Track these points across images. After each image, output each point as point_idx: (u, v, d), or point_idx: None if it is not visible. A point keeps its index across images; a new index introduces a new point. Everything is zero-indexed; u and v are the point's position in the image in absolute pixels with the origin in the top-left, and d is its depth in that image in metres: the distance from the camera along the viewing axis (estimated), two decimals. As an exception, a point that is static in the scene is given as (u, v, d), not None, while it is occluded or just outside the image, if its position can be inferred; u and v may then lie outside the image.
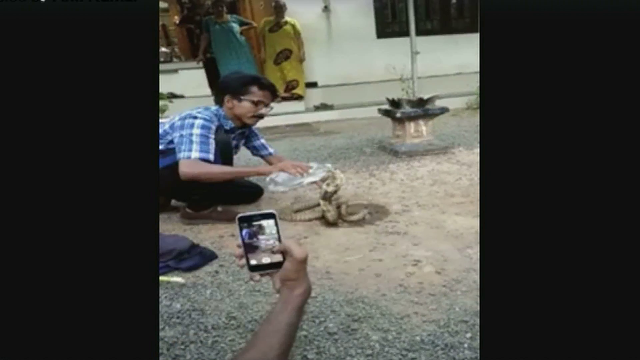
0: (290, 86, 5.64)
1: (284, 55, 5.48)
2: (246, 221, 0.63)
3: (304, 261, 0.62)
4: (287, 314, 0.59)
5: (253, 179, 2.17)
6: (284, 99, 5.41)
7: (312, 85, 5.99)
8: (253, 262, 0.63)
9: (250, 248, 0.63)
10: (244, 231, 0.63)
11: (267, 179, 1.80)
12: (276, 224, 0.63)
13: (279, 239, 0.64)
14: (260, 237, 0.63)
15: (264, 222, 0.63)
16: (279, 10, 5.30)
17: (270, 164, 2.07)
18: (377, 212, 1.93)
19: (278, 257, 0.63)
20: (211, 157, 1.70)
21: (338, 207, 1.80)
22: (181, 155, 1.68)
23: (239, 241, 0.64)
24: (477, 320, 1.07)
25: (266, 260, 0.63)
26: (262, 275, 0.65)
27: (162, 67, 5.57)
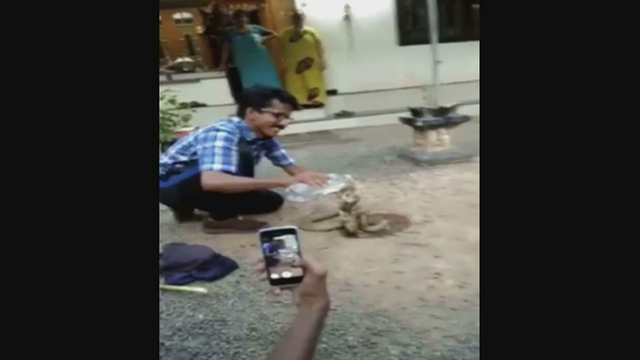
0: (312, 94, 5.70)
1: (305, 64, 5.54)
2: (268, 235, 0.65)
3: (323, 277, 0.63)
4: (306, 330, 0.60)
5: (273, 189, 2.21)
6: (305, 106, 5.47)
7: (333, 92, 6.02)
8: (274, 275, 0.65)
9: (271, 262, 0.65)
10: (265, 245, 0.65)
11: (287, 189, 1.82)
12: (297, 239, 0.65)
13: (300, 254, 0.65)
14: (281, 251, 0.64)
15: (285, 237, 0.64)
16: (298, 20, 5.38)
17: (290, 173, 2.10)
18: (398, 222, 1.92)
19: (298, 272, 0.64)
20: (233, 168, 1.74)
21: (358, 217, 1.80)
22: (204, 166, 1.73)
23: (261, 255, 0.66)
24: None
25: (287, 274, 0.65)
26: (282, 289, 0.67)
27: (185, 76, 5.72)
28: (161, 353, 1.08)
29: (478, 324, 1.12)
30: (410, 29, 6.23)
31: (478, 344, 1.04)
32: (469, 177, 2.61)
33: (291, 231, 0.65)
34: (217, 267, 1.51)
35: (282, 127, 1.95)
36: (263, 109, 1.87)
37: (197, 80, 5.64)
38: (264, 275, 0.67)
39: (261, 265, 0.66)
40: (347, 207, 1.76)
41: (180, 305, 1.32)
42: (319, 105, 5.77)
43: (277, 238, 0.64)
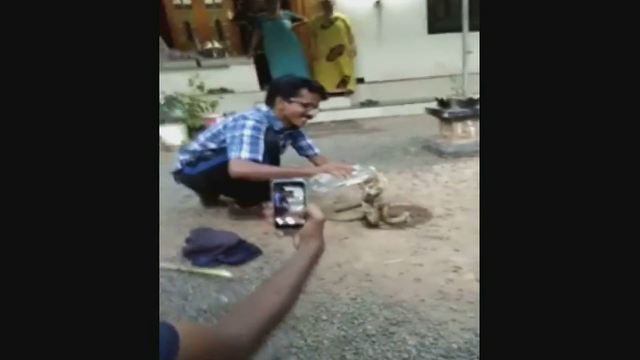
0: (343, 81, 5.66)
1: (338, 51, 5.48)
2: (280, 186, 0.75)
3: (321, 223, 0.75)
4: (302, 262, 0.71)
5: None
6: (335, 94, 5.47)
7: (359, 81, 5.98)
8: (280, 221, 0.76)
9: (280, 209, 0.76)
10: (277, 195, 0.75)
11: (311, 179, 1.85)
12: (304, 192, 0.75)
13: (305, 204, 0.75)
14: (290, 200, 0.75)
15: (295, 189, 0.75)
16: (329, 6, 5.32)
17: (315, 164, 2.13)
18: (419, 215, 1.93)
19: (300, 220, 0.75)
20: (260, 157, 1.79)
21: (380, 208, 1.82)
22: (232, 154, 1.78)
23: (272, 204, 0.76)
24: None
25: (290, 221, 0.75)
26: (285, 233, 0.77)
27: (214, 62, 5.78)
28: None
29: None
30: (442, 16, 6.07)
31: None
32: (495, 171, 2.58)
33: (300, 184, 0.75)
34: (242, 252, 1.57)
35: (310, 117, 1.97)
36: (292, 99, 1.89)
37: (225, 66, 5.69)
38: (272, 220, 0.76)
39: (271, 211, 0.75)
40: (369, 199, 1.78)
41: (206, 288, 1.39)
42: (348, 93, 5.74)
43: (287, 189, 0.75)
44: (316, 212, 0.74)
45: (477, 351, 1.02)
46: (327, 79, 5.42)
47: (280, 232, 0.77)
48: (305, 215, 0.75)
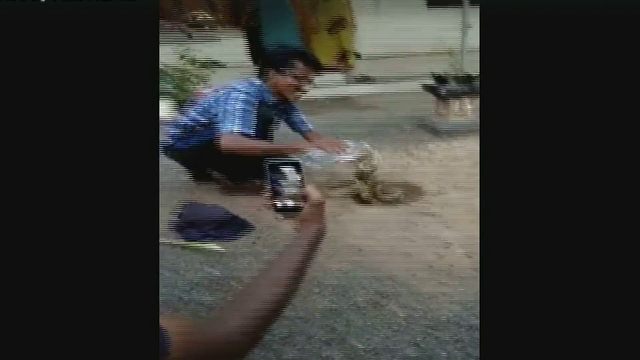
0: (344, 56, 5.52)
1: (340, 24, 5.31)
2: (274, 166, 0.70)
3: (320, 205, 0.70)
4: (301, 249, 0.67)
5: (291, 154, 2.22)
6: (334, 69, 5.35)
7: (356, 56, 5.87)
8: (278, 204, 0.71)
9: (277, 192, 0.71)
10: (273, 176, 0.71)
11: (304, 155, 1.83)
12: (301, 172, 0.70)
13: (303, 185, 0.71)
14: (286, 182, 0.70)
15: (290, 169, 0.70)
16: None
17: (309, 140, 2.11)
18: (412, 192, 1.93)
19: (300, 202, 0.70)
20: (252, 131, 1.76)
21: (373, 186, 1.82)
22: (223, 129, 1.75)
23: (268, 186, 0.71)
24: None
25: (290, 203, 0.71)
26: (285, 217, 0.73)
27: (205, 34, 5.63)
28: (179, 306, 1.16)
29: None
30: (442, -11, 5.94)
31: (482, 312, 1.08)
32: (489, 149, 2.58)
33: (296, 164, 0.70)
34: (234, 227, 1.56)
35: (304, 91, 1.91)
36: (285, 71, 1.85)
37: (217, 39, 5.56)
38: (270, 202, 0.72)
39: (268, 193, 0.71)
40: (363, 176, 1.78)
41: (198, 262, 1.39)
42: (348, 69, 5.61)
43: (282, 169, 0.70)
44: (315, 194, 0.69)
45: (465, 324, 1.04)
46: (326, 53, 5.26)
47: (280, 216, 0.72)
48: (305, 197, 0.70)
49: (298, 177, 0.70)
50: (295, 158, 0.72)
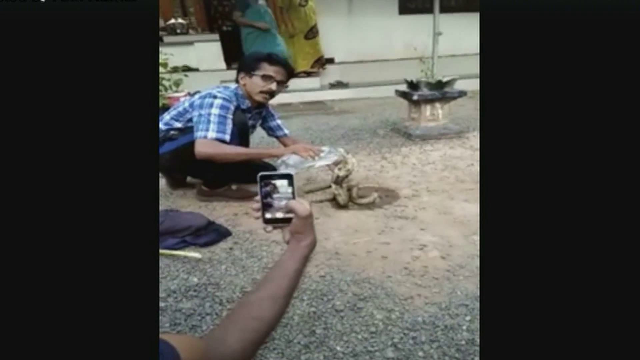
0: (320, 62, 5.58)
1: (315, 31, 5.39)
2: (266, 179, 0.70)
3: (307, 217, 0.69)
4: (294, 262, 0.68)
5: (266, 159, 2.23)
6: (310, 73, 5.40)
7: (330, 61, 5.93)
8: (268, 215, 0.71)
9: (267, 204, 0.71)
10: (263, 188, 0.70)
11: (279, 160, 1.84)
12: (292, 184, 0.70)
13: (294, 197, 0.71)
14: (277, 195, 0.70)
15: (282, 182, 0.70)
16: None
17: (284, 145, 2.12)
18: (387, 195, 1.97)
19: (290, 214, 0.70)
20: (227, 137, 1.75)
21: (349, 190, 1.84)
22: (198, 134, 1.73)
23: (258, 197, 0.71)
24: (477, 304, 1.13)
25: (279, 215, 0.71)
26: (275, 228, 0.73)
27: (177, 39, 5.54)
28: (157, 313, 1.14)
29: (459, 293, 1.19)
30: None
31: (457, 311, 1.11)
32: (459, 152, 2.66)
33: (288, 176, 0.70)
34: (211, 233, 1.55)
35: (271, 92, 1.90)
36: (253, 73, 1.85)
37: (190, 43, 5.49)
38: (259, 214, 0.72)
39: (257, 205, 0.71)
40: (339, 181, 1.80)
41: (175, 269, 1.37)
42: (317, 74, 5.68)
43: (274, 182, 0.70)
44: (300, 207, 0.68)
45: (440, 324, 1.07)
46: (305, 58, 5.35)
47: (269, 227, 0.72)
48: (292, 210, 0.70)
49: (289, 189, 0.70)
50: (287, 171, 0.73)
